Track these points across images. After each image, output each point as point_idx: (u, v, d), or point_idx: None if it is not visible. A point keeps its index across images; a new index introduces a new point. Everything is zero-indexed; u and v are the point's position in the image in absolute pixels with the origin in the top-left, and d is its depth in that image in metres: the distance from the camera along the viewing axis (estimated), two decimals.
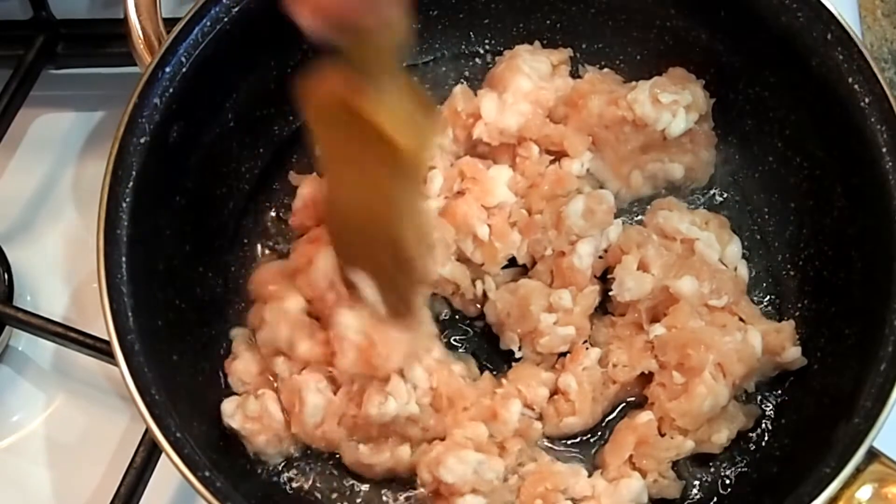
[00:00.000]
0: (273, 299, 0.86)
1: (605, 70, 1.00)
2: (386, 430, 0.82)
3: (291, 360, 0.85)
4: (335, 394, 0.83)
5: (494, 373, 0.88)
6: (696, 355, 0.82)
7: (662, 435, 0.83)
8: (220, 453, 0.83)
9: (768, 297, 0.93)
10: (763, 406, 0.88)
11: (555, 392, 0.86)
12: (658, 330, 0.85)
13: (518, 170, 0.91)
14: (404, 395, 0.81)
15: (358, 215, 0.76)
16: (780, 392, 0.89)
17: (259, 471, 0.85)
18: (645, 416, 0.83)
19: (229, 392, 0.87)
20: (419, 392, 0.82)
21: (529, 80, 0.93)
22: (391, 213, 0.73)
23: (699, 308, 0.86)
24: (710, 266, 0.88)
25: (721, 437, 0.84)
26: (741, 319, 0.86)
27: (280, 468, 0.86)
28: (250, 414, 0.84)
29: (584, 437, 0.87)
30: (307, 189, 0.92)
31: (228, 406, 0.85)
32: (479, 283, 0.89)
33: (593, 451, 0.87)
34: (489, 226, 0.88)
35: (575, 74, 0.99)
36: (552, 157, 0.92)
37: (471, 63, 1.02)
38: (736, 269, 0.91)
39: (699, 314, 0.85)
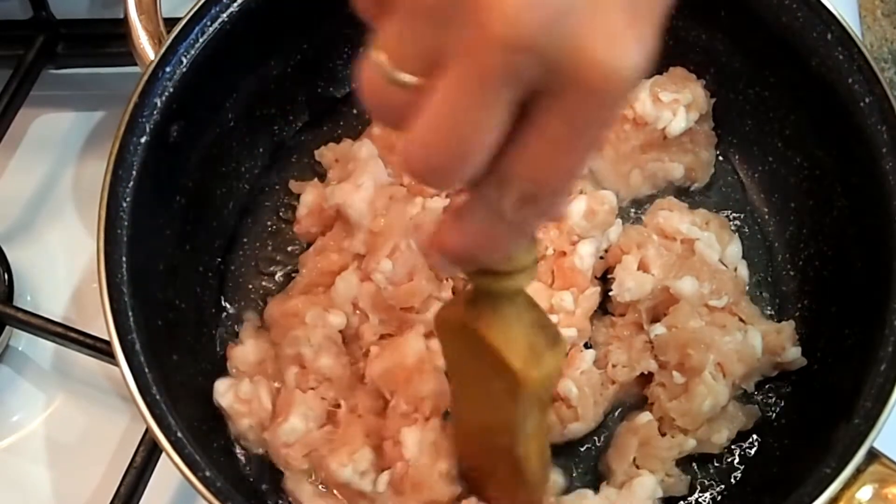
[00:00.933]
0: (313, 307, 0.85)
1: None
2: (341, 487, 0.81)
3: (306, 371, 0.84)
4: (324, 425, 0.82)
5: None
6: (697, 355, 0.82)
7: (663, 435, 0.83)
8: (220, 454, 0.83)
9: (768, 297, 0.93)
10: (763, 406, 0.88)
11: (553, 399, 0.86)
12: (658, 329, 0.85)
13: None
14: (364, 464, 0.79)
15: (477, 423, 0.73)
16: (779, 392, 0.89)
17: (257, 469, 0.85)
18: (644, 417, 0.83)
19: None
20: (382, 476, 0.79)
21: None
22: (508, 430, 0.69)
23: (699, 308, 0.86)
24: (710, 266, 0.88)
25: (721, 437, 0.84)
26: (741, 320, 0.86)
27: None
28: (242, 395, 0.84)
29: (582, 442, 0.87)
30: (310, 196, 0.92)
31: (221, 384, 0.85)
32: None
33: (587, 450, 0.87)
34: None
35: None
36: None
37: None
38: (736, 269, 0.91)
39: (699, 314, 0.85)
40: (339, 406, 0.83)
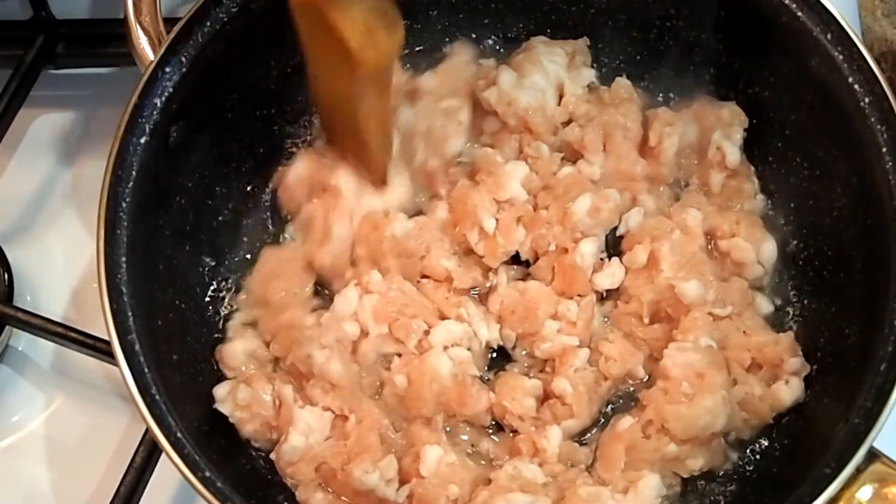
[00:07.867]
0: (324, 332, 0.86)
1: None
2: (357, 495, 0.81)
3: (311, 382, 0.84)
4: (328, 437, 0.83)
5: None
6: (713, 376, 0.82)
7: (647, 438, 0.82)
8: (220, 454, 0.83)
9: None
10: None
11: (547, 397, 0.86)
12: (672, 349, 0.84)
13: (532, 168, 0.92)
14: (391, 472, 0.80)
15: (330, 100, 0.87)
16: None
17: (258, 472, 0.86)
18: (626, 423, 0.83)
19: None
20: (403, 488, 0.81)
21: (546, 79, 0.94)
22: (349, 101, 0.83)
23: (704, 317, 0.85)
24: (723, 276, 0.88)
25: (696, 463, 0.83)
26: (744, 332, 0.86)
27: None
28: (240, 402, 0.84)
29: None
30: (304, 162, 0.93)
31: (220, 391, 0.85)
32: (491, 276, 0.90)
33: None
34: (496, 220, 0.89)
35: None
36: (562, 155, 0.93)
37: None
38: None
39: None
40: (345, 417, 0.83)
